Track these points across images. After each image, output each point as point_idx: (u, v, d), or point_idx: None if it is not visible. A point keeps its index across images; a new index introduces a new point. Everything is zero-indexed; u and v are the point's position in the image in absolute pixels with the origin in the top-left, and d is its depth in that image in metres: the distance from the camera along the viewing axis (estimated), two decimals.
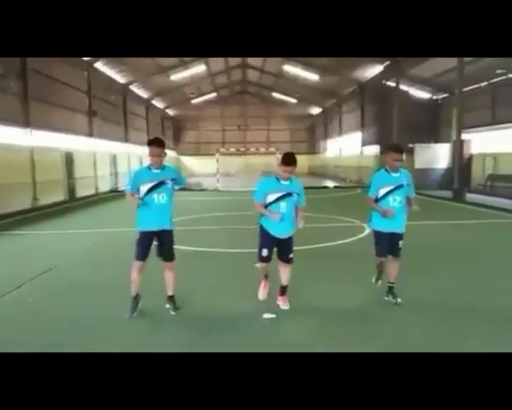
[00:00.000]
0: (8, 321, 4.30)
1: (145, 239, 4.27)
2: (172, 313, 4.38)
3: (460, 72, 16.32)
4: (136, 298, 4.37)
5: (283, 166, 4.11)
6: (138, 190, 4.22)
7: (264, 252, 4.35)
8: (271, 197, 4.20)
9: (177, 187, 4.41)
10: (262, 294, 4.52)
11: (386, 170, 4.50)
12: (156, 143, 4.15)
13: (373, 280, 4.82)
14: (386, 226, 4.50)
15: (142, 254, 4.27)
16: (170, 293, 4.46)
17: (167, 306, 4.45)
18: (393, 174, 4.44)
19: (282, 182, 4.19)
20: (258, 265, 4.46)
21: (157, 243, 4.34)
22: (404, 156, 4.45)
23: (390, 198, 4.42)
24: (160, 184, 4.20)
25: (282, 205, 4.19)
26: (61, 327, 4.12)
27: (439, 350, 3.38)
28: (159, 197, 4.21)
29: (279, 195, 4.18)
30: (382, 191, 4.45)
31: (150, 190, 4.20)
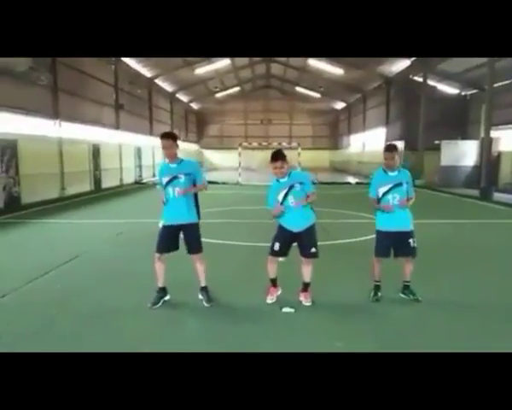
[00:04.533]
0: (33, 308, 4.43)
1: (165, 232, 4.33)
2: (206, 304, 4.41)
3: (491, 67, 15.80)
4: (161, 292, 4.41)
5: (270, 163, 4.23)
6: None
7: (276, 246, 4.38)
8: (280, 197, 4.29)
9: (199, 183, 4.35)
10: (270, 299, 4.50)
11: (383, 170, 4.51)
12: (166, 136, 4.32)
13: (371, 295, 4.60)
14: (385, 225, 4.51)
15: (160, 246, 4.33)
16: (202, 284, 4.51)
17: (200, 297, 4.49)
18: (390, 173, 4.45)
19: (281, 180, 4.30)
20: (269, 258, 4.44)
21: (183, 237, 4.39)
22: (395, 155, 4.37)
23: (390, 197, 4.42)
24: (174, 178, 4.26)
25: (290, 199, 4.28)
26: (83, 316, 4.22)
27: (455, 347, 3.35)
28: (173, 192, 4.27)
29: (284, 192, 4.28)
30: (381, 191, 4.48)
31: (167, 185, 4.29)
